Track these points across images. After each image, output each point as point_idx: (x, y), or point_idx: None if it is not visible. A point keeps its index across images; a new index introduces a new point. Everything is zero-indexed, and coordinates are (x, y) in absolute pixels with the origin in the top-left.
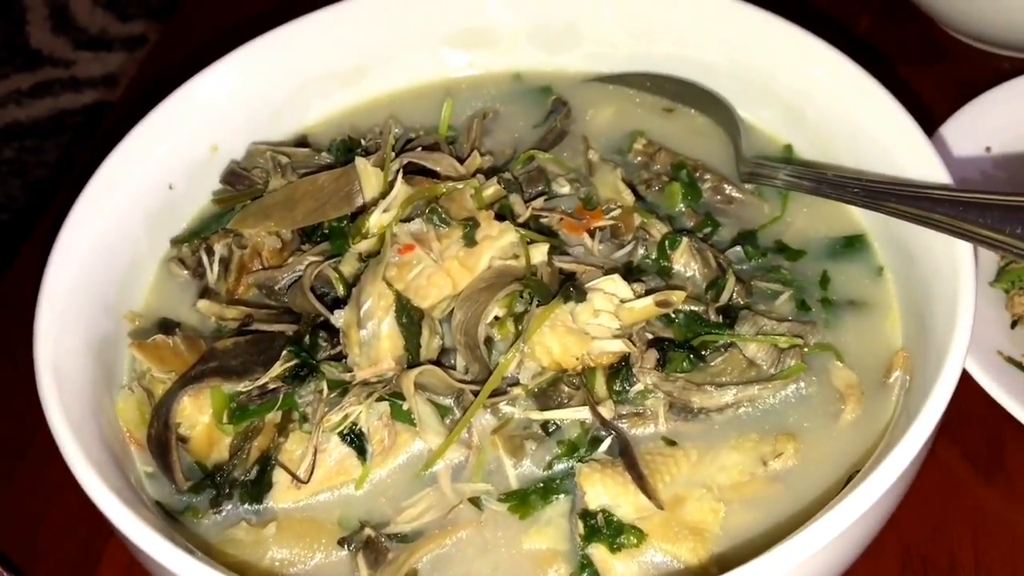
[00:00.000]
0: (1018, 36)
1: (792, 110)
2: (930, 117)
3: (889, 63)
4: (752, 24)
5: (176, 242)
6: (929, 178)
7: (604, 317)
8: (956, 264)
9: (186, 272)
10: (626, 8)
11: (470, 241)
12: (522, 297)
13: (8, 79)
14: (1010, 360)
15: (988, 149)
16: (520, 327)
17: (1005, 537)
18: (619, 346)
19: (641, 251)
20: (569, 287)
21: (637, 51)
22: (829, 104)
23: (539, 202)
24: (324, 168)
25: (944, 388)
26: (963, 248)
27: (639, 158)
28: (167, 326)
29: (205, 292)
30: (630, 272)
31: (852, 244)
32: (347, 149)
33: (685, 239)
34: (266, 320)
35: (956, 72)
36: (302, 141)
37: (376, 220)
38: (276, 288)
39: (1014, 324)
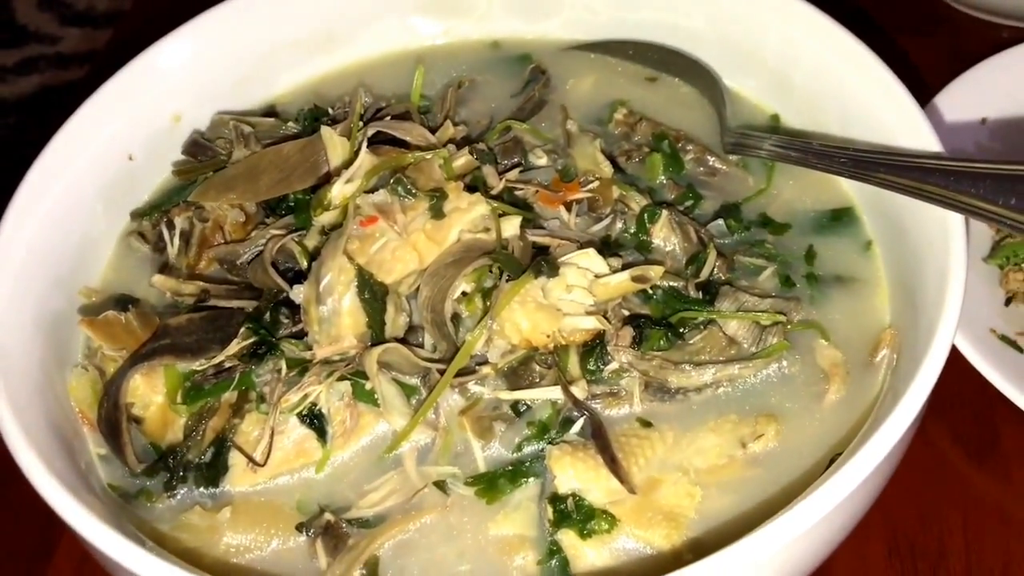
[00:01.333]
0: (1017, 5)
1: (779, 78)
2: (925, 87)
3: (885, 32)
4: None
5: (136, 215)
6: (920, 148)
7: (577, 293)
8: (947, 236)
9: (146, 246)
10: None
11: (437, 213)
12: (492, 272)
13: None
14: (1004, 339)
15: (983, 120)
16: (489, 303)
17: (996, 521)
18: (592, 323)
19: (619, 225)
20: (540, 261)
21: (619, 17)
22: (817, 72)
23: (514, 174)
24: (290, 138)
25: (932, 366)
26: (955, 220)
27: (620, 128)
28: (124, 302)
29: (164, 267)
30: (607, 246)
31: (839, 217)
32: (314, 118)
33: (665, 212)
34: (225, 296)
35: (953, 42)
36: (270, 111)
37: (339, 191)
38: (238, 263)
39: (1008, 301)
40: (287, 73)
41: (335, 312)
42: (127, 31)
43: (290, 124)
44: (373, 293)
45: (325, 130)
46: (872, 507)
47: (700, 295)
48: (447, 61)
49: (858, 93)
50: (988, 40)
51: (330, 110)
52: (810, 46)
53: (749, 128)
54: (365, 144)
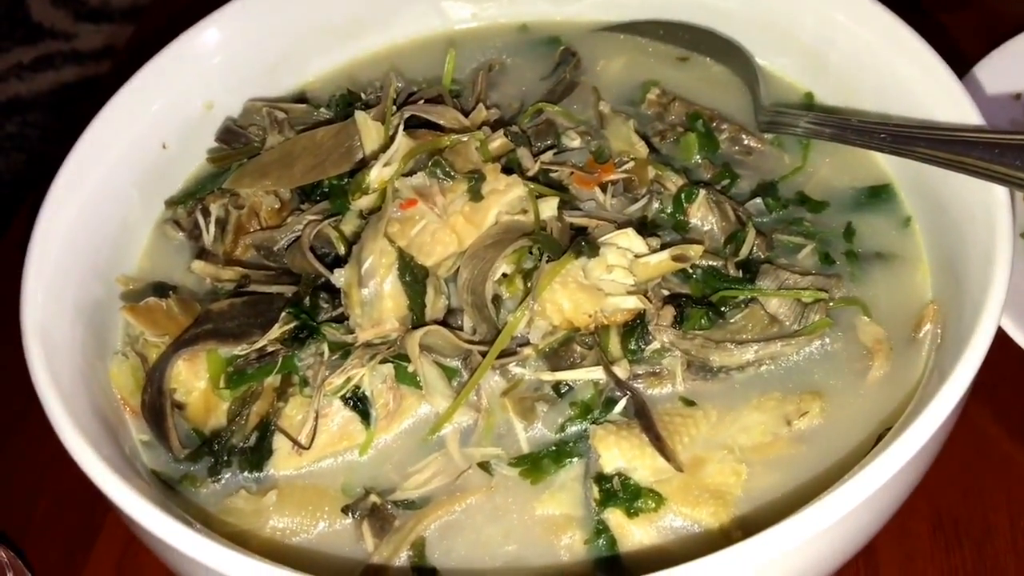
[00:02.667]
0: None
1: (813, 56)
2: (961, 61)
3: (918, 8)
4: None
5: (171, 203)
6: (960, 120)
7: (618, 273)
8: (991, 210)
9: (181, 234)
10: None
11: (475, 195)
12: (531, 253)
13: (9, 53)
14: None
15: (1018, 96)
16: (529, 284)
17: None
18: (634, 303)
19: (656, 205)
20: (580, 242)
21: None
22: (853, 48)
23: (548, 156)
24: (323, 124)
25: (979, 344)
26: (999, 193)
27: (652, 109)
28: (162, 289)
29: (201, 254)
30: (644, 227)
31: (878, 194)
32: (347, 104)
33: (702, 192)
34: (264, 281)
35: (987, 17)
36: (301, 97)
37: (376, 175)
38: (275, 249)
39: None
40: (318, 59)
41: (377, 295)
42: (149, 26)
43: (322, 110)
44: (414, 276)
45: (359, 115)
46: (916, 485)
47: (740, 274)
48: (476, 45)
49: (895, 68)
50: (1020, 15)
51: (362, 95)
52: (846, 23)
53: (784, 106)
54: (401, 127)
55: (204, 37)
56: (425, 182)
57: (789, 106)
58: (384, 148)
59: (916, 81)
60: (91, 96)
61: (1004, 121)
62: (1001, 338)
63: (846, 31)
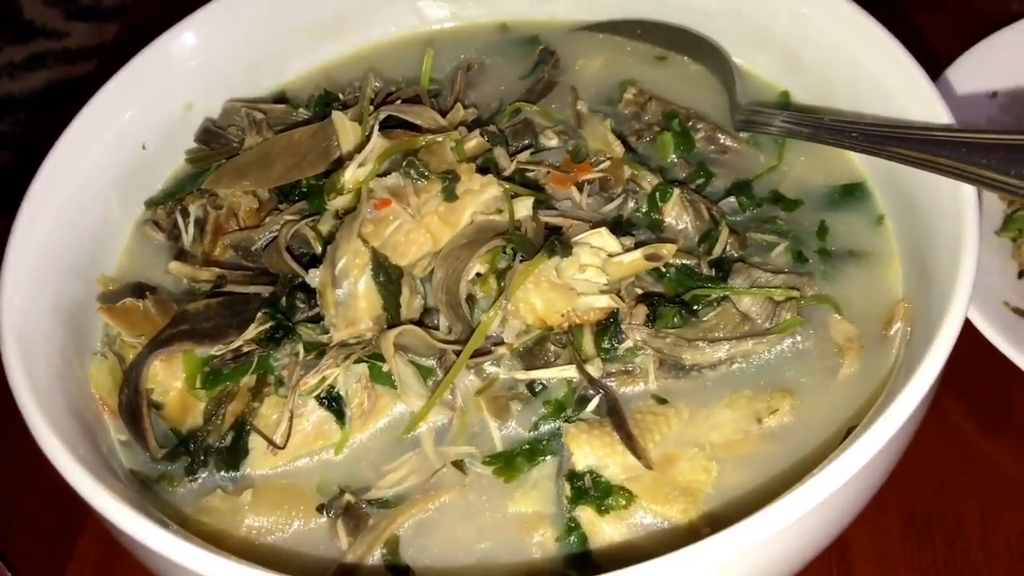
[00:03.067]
0: None
1: (788, 55)
2: (936, 61)
3: (895, 7)
4: None
5: (150, 204)
6: (931, 119)
7: (591, 272)
8: (960, 208)
9: (161, 235)
10: None
11: (450, 195)
12: (505, 253)
13: (0, 52)
14: (1017, 311)
15: (994, 94)
16: (503, 284)
17: (1012, 494)
18: (606, 301)
19: (631, 204)
20: (554, 241)
21: None
22: (827, 47)
23: (525, 155)
24: (302, 124)
25: (946, 339)
26: (967, 191)
27: (630, 108)
28: (141, 290)
29: (180, 255)
30: (620, 226)
31: (851, 192)
32: (324, 104)
33: (676, 191)
34: (241, 282)
35: (964, 16)
36: (280, 97)
37: (351, 175)
38: (253, 249)
39: (1021, 274)
40: (297, 59)
41: (351, 295)
42: (133, 25)
43: (301, 110)
44: (388, 276)
45: (336, 115)
46: (888, 480)
47: (713, 272)
48: (456, 44)
49: (869, 68)
50: (998, 14)
51: (340, 95)
52: (820, 22)
53: (760, 105)
54: (377, 128)
55: (182, 38)
56: (400, 182)
57: (765, 105)
58: (361, 148)
59: (889, 80)
60: (81, 95)
61: (980, 119)
62: (976, 336)
63: (820, 30)
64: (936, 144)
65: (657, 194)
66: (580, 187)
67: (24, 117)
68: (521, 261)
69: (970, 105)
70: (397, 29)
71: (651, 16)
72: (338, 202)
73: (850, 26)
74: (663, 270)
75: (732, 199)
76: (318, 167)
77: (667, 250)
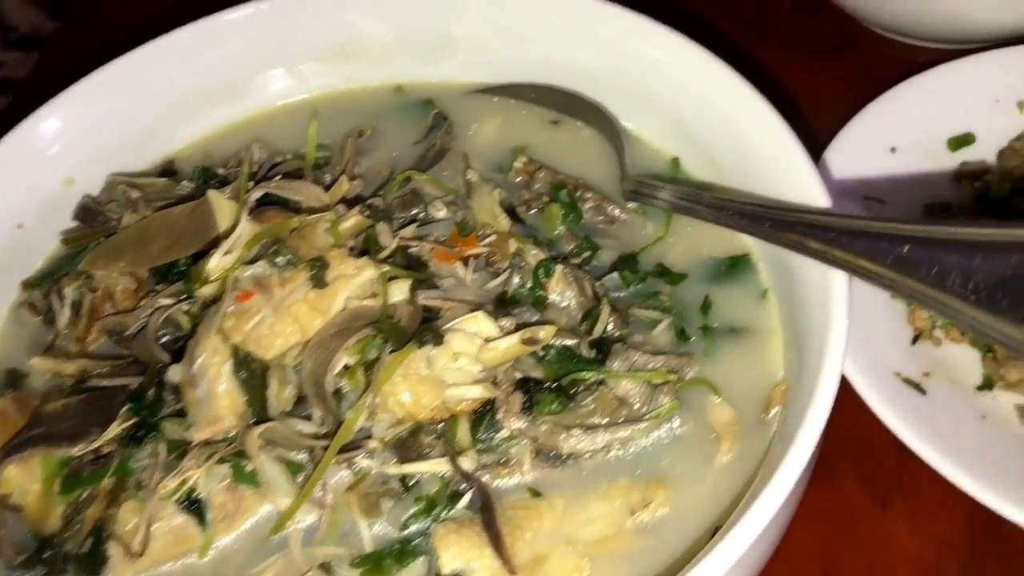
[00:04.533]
0: (932, 27)
1: (677, 122)
2: (837, 113)
3: (799, 55)
4: (622, 27)
5: (28, 285)
6: (808, 200)
7: (463, 360)
8: (830, 292)
9: (37, 318)
10: (493, 8)
11: (319, 282)
12: (377, 342)
13: None
14: (907, 381)
15: (893, 150)
16: (370, 376)
17: (904, 570)
18: (479, 392)
19: (516, 280)
20: (424, 331)
21: (514, 56)
22: (711, 117)
23: (410, 230)
24: (185, 199)
25: (808, 436)
26: (837, 277)
27: (520, 177)
28: (14, 378)
29: (53, 343)
30: (503, 304)
31: (737, 265)
32: (203, 180)
33: (559, 267)
34: (108, 374)
35: (869, 65)
36: (168, 168)
37: (216, 263)
38: (126, 334)
39: (915, 339)
40: (184, 128)
41: (210, 394)
42: (49, 64)
43: (184, 183)
44: (251, 372)
45: (211, 193)
46: (774, 559)
47: (593, 353)
48: (350, 107)
49: (752, 141)
50: (904, 63)
51: (220, 170)
52: (704, 91)
53: (647, 176)
54: (247, 211)
55: (57, 116)
56: (266, 271)
57: (652, 176)
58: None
59: (770, 157)
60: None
61: (880, 176)
62: (867, 407)
63: (704, 98)
64: (807, 227)
65: (541, 270)
66: (466, 262)
67: None
68: (391, 351)
69: (867, 162)
70: (286, 95)
71: (544, 80)
72: (205, 291)
73: (733, 96)
74: (542, 352)
75: (615, 274)
76: (195, 246)
77: (544, 333)
